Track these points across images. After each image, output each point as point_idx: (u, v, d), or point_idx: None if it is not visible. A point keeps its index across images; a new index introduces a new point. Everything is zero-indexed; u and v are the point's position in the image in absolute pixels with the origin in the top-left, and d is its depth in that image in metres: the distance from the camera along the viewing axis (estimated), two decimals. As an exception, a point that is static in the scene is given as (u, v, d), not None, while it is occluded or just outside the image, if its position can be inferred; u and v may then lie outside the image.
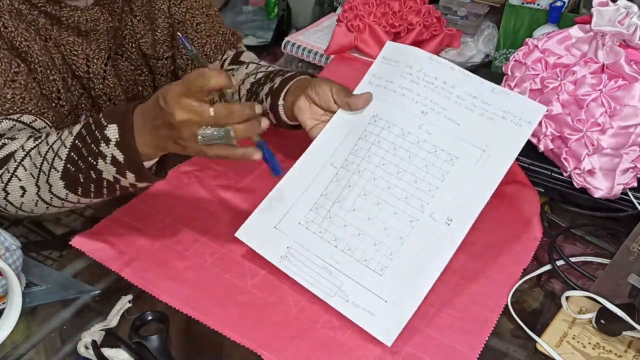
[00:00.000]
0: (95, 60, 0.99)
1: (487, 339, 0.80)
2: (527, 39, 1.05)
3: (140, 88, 1.11)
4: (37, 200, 0.83)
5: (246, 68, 1.09)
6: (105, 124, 0.77)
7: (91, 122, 0.79)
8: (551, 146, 0.98)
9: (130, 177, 0.78)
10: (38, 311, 0.83)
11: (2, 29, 0.88)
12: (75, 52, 0.97)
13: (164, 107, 0.72)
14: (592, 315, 0.81)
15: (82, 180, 0.80)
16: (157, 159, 0.81)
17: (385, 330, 0.77)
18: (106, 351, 0.74)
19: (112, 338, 0.77)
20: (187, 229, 0.94)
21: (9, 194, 0.83)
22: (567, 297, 0.83)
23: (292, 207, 0.87)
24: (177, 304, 0.82)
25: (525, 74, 1.02)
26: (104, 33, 1.00)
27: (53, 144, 0.81)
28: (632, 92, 0.91)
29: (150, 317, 0.79)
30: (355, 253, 0.82)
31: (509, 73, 1.06)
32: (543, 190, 1.04)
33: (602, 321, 0.80)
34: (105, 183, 0.80)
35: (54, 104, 0.95)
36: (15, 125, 0.87)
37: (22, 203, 0.84)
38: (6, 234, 0.81)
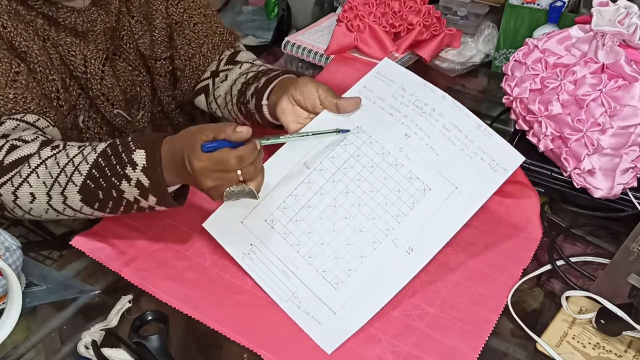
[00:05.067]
0: (92, 61, 0.99)
1: (487, 339, 0.80)
2: (527, 39, 1.05)
3: (138, 88, 1.11)
4: (48, 209, 0.84)
5: (240, 68, 1.08)
6: (134, 148, 0.79)
7: (118, 143, 0.80)
8: (551, 146, 0.98)
9: (152, 200, 0.81)
10: (38, 311, 0.83)
11: (1, 30, 0.88)
12: (73, 53, 0.97)
13: (191, 173, 0.75)
14: (592, 315, 0.81)
15: (101, 197, 0.81)
16: (178, 186, 0.83)
17: (328, 339, 0.78)
18: (106, 351, 0.74)
19: (112, 338, 0.77)
20: (187, 229, 0.94)
21: (18, 198, 0.83)
22: (567, 297, 0.83)
23: (260, 203, 0.86)
24: (177, 304, 0.83)
25: (525, 74, 1.02)
26: (101, 34, 0.99)
27: (74, 157, 0.81)
28: (632, 92, 0.91)
29: (150, 317, 0.80)
30: (315, 262, 0.83)
31: (509, 73, 1.06)
32: (543, 190, 1.04)
33: (602, 321, 0.80)
34: (124, 202, 0.81)
35: (54, 104, 0.95)
36: (19, 125, 0.87)
37: (31, 208, 0.84)
38: (6, 234, 0.82)
